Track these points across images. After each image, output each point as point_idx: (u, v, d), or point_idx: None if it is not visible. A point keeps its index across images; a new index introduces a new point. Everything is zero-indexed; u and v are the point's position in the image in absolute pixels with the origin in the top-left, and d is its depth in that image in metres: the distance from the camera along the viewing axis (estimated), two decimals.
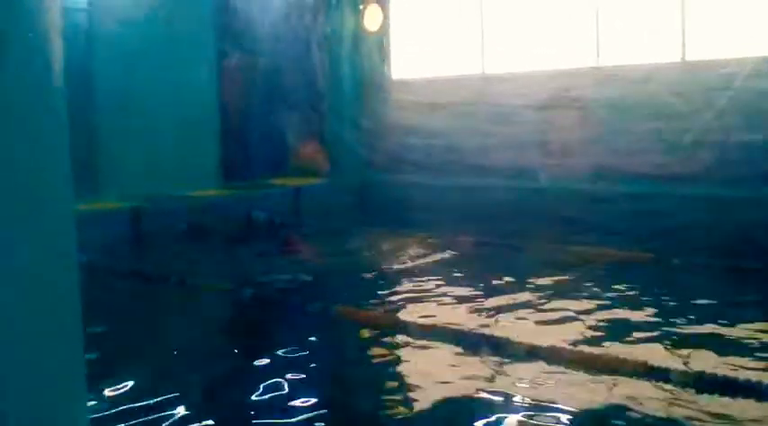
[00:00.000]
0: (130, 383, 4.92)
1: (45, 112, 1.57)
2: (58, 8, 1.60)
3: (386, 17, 14.06)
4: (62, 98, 1.63)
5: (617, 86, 11.57)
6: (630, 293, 7.02)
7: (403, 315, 6.52)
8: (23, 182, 1.52)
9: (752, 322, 5.98)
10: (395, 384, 5.15)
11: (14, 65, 1.46)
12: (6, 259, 1.48)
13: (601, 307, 6.55)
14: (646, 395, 4.51)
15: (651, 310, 6.41)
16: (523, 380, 4.88)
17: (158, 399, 4.65)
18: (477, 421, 4.33)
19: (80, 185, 1.70)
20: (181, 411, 4.52)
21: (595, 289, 7.18)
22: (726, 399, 4.38)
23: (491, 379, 4.93)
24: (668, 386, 4.59)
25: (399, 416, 4.61)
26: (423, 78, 13.90)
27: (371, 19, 13.80)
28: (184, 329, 6.38)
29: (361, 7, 14.00)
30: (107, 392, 4.75)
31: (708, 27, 10.91)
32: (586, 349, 5.36)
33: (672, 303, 6.61)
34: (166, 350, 5.77)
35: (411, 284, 7.74)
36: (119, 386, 4.84)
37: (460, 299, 7.01)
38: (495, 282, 7.54)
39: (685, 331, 5.84)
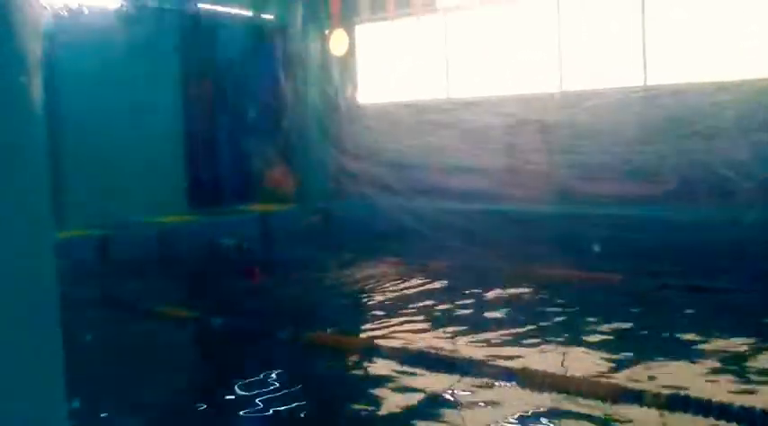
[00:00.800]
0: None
1: (27, 143, 1.55)
2: (39, 34, 1.58)
3: (352, 42, 14.12)
4: (43, 128, 1.61)
5: (581, 111, 11.72)
6: (598, 315, 7.04)
7: (374, 340, 6.49)
8: (5, 211, 1.51)
9: (721, 341, 6.04)
10: (365, 406, 5.13)
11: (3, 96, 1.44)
12: None
13: (572, 330, 6.57)
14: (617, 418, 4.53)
15: (620, 331, 6.44)
16: (497, 403, 4.87)
17: None
18: None
19: None
20: None
21: (565, 312, 7.21)
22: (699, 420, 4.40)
23: (465, 402, 4.92)
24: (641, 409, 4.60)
25: None
26: (389, 102, 13.96)
27: (337, 44, 13.85)
28: (153, 359, 6.27)
29: (327, 32, 14.05)
30: None
31: (668, 53, 11.12)
32: (558, 372, 5.38)
33: (640, 324, 6.65)
34: (131, 383, 5.65)
35: (380, 309, 7.71)
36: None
37: (431, 323, 6.99)
38: (465, 305, 7.53)
39: (655, 352, 5.87)
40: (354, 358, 6.08)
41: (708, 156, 10.34)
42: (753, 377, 5.22)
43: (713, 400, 4.39)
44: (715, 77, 10.63)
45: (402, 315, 7.36)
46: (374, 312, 7.66)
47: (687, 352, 5.76)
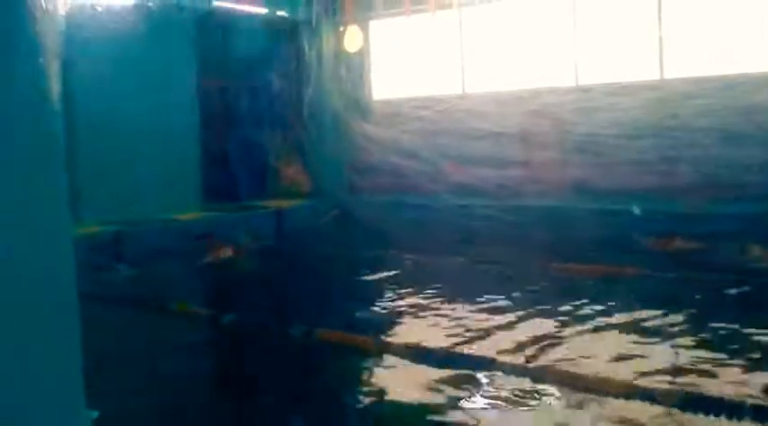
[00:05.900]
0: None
1: (45, 135, 1.57)
2: (57, 33, 1.60)
3: (366, 38, 14.13)
4: (60, 122, 1.63)
5: (596, 104, 11.68)
6: (615, 308, 7.02)
7: (386, 338, 6.49)
8: (24, 204, 1.53)
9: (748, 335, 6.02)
10: (374, 403, 5.14)
11: (21, 88, 1.46)
12: (5, 280, 1.49)
13: (588, 325, 6.55)
14: (631, 416, 4.52)
15: (640, 325, 6.42)
16: (511, 399, 4.87)
17: None
18: None
19: None
20: None
21: (581, 306, 7.18)
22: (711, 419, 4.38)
23: (475, 398, 4.92)
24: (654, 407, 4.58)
25: None
26: (403, 98, 13.96)
27: (351, 40, 13.86)
28: (166, 356, 6.30)
29: (341, 29, 14.07)
30: None
31: (685, 45, 11.08)
32: (572, 368, 5.37)
33: (658, 316, 6.63)
34: (145, 381, 5.69)
35: (393, 306, 7.71)
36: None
37: (444, 320, 6.98)
38: (479, 302, 7.52)
39: (676, 345, 5.85)
40: (366, 356, 6.07)
41: (723, 150, 10.30)
42: None
43: (725, 398, 4.39)
44: (728, 71, 10.62)
45: (410, 313, 7.37)
46: (388, 308, 7.66)
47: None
